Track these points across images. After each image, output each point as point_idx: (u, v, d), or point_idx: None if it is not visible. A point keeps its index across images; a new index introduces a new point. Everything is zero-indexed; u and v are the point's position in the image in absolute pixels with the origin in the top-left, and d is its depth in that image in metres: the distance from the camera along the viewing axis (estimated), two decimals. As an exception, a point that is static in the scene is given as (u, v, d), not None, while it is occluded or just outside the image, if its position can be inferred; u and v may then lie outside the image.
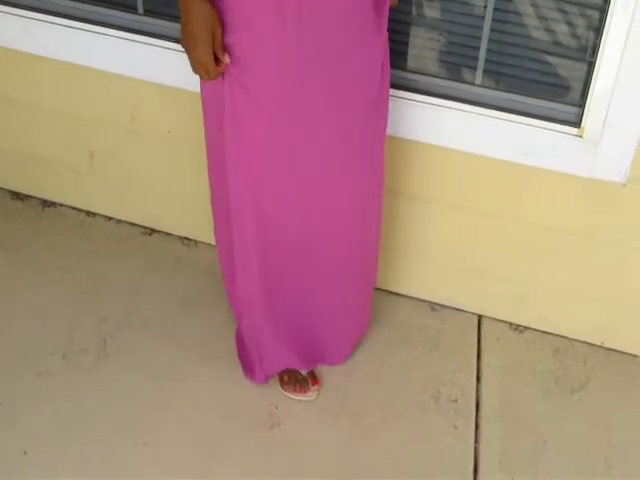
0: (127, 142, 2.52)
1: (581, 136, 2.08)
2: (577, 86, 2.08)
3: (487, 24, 2.06)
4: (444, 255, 2.40)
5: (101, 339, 2.30)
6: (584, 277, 2.29)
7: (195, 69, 1.71)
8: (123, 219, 2.69)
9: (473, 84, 2.15)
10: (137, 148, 2.53)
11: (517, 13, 2.05)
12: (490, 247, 2.34)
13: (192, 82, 2.06)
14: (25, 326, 2.33)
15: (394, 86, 2.11)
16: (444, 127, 2.17)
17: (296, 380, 2.18)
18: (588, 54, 2.03)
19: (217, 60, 1.69)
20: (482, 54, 2.10)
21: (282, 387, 2.19)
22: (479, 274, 2.39)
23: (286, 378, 2.19)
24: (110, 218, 2.70)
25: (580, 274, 2.29)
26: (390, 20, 1.85)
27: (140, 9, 2.31)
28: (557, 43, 2.07)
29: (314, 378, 2.21)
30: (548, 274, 2.32)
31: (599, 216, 2.19)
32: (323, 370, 2.25)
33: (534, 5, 2.04)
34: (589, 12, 2.00)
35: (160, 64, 2.30)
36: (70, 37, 2.36)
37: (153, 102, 2.40)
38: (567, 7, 2.02)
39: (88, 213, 2.71)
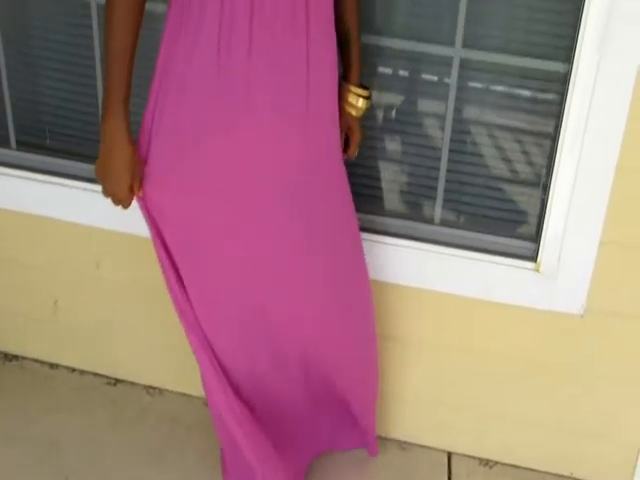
0: (92, 290, 2.44)
1: (538, 270, 2.07)
2: (532, 222, 2.09)
3: (443, 166, 2.06)
4: (409, 392, 2.31)
5: (64, 496, 2.13)
6: (547, 407, 2.23)
7: (106, 194, 1.68)
8: (87, 369, 2.56)
9: (432, 223, 2.14)
10: (102, 296, 2.44)
11: (472, 154, 2.07)
12: (454, 382, 2.26)
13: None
14: (-16, 486, 2.16)
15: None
16: (403, 266, 2.14)
17: None
18: (541, 192, 2.04)
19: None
20: (440, 194, 2.10)
21: None
22: (445, 409, 2.31)
23: None
24: (74, 369, 2.56)
25: (543, 404, 2.23)
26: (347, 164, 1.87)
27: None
28: (511, 181, 2.08)
29: None
30: (513, 405, 2.25)
31: (559, 347, 2.15)
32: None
33: (488, 145, 2.06)
34: (540, 152, 2.02)
35: (124, 213, 2.23)
36: (31, 188, 2.31)
37: (118, 250, 2.34)
38: (519, 147, 2.04)
39: (51, 365, 2.57)
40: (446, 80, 1.98)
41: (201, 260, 1.75)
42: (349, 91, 1.84)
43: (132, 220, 2.22)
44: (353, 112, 1.85)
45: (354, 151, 1.92)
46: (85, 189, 2.27)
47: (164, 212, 1.70)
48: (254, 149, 1.63)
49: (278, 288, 1.78)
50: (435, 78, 2.01)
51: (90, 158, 2.26)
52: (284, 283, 1.77)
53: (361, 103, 1.85)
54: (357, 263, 1.92)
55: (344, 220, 1.85)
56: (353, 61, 1.82)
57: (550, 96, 1.95)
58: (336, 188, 1.81)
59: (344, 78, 1.84)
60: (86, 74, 2.22)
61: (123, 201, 1.67)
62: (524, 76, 1.95)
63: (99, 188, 2.22)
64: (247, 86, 1.58)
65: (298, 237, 1.74)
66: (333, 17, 1.67)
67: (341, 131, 1.84)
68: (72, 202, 2.31)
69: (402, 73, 2.03)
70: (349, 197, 1.86)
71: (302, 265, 1.77)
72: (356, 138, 1.90)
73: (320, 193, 1.74)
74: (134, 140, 1.63)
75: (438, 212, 2.13)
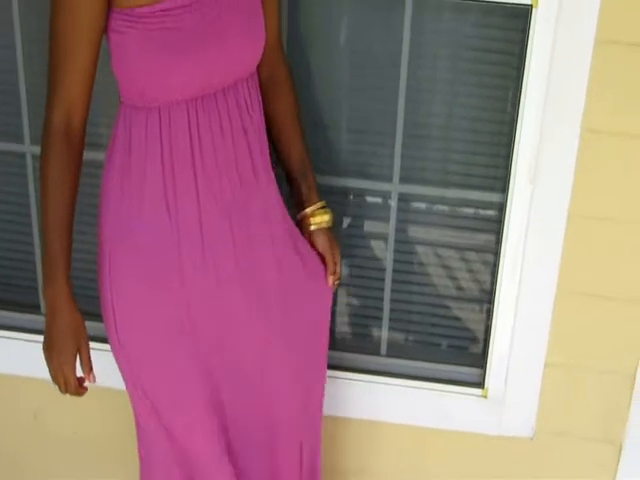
0: (30, 444, 2.29)
1: (485, 396, 2.05)
2: (477, 348, 2.07)
3: (387, 297, 2.05)
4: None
5: None
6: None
7: (55, 379, 1.54)
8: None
9: (378, 354, 2.11)
10: (41, 450, 2.29)
11: (416, 284, 2.06)
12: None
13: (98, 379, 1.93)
14: None
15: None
16: (350, 399, 2.09)
17: None
18: (485, 317, 2.04)
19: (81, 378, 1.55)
20: (385, 323, 2.08)
21: None
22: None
23: None
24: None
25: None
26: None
27: (42, 309, 2.18)
28: (456, 308, 2.08)
29: None
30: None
31: (510, 470, 2.11)
32: None
33: (431, 274, 2.06)
34: (483, 279, 2.03)
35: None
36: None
37: (57, 401, 2.18)
38: (461, 275, 2.05)
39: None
40: (389, 202, 1.99)
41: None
42: (315, 212, 1.75)
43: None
44: (324, 224, 1.77)
45: (339, 268, 1.81)
46: (20, 339, 2.17)
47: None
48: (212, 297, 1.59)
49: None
50: (379, 201, 2.01)
51: (27, 307, 2.21)
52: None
53: (327, 212, 1.77)
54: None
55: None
56: (312, 183, 1.76)
57: (491, 214, 1.97)
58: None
59: (302, 208, 1.76)
60: (22, 222, 2.15)
61: (69, 378, 1.53)
62: (462, 204, 1.98)
63: (35, 337, 2.14)
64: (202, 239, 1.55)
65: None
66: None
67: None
68: (8, 353, 2.20)
69: (345, 202, 2.03)
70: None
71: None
72: (337, 254, 1.79)
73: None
74: (78, 308, 1.53)
75: (384, 342, 2.10)
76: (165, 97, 1.47)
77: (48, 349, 1.53)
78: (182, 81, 1.46)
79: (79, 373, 1.55)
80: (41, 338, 2.10)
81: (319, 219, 1.75)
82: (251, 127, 1.57)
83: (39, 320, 2.17)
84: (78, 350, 1.53)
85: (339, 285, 1.84)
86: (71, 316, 1.51)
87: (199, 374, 1.63)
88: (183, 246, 1.55)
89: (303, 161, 1.75)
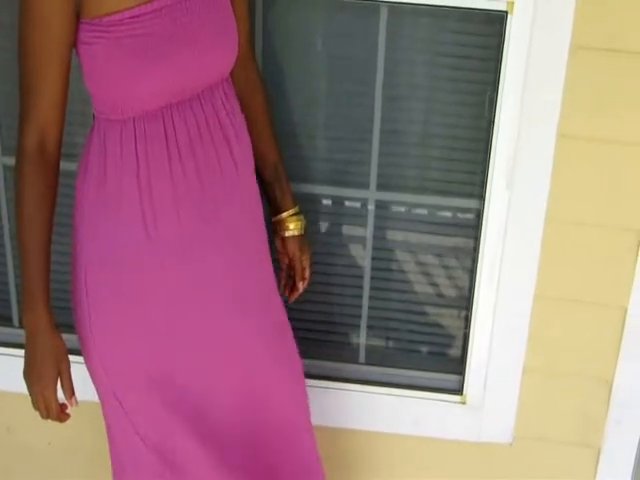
0: (3, 456, 2.24)
1: (464, 403, 2.04)
2: (455, 355, 2.06)
3: (365, 311, 2.04)
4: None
5: None
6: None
7: (35, 404, 1.50)
8: None
9: (357, 363, 2.09)
10: (13, 462, 2.24)
11: (394, 291, 2.04)
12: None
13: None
14: None
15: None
16: (329, 408, 2.07)
17: None
18: (463, 325, 2.03)
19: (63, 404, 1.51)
20: (363, 331, 2.07)
21: None
22: None
23: None
24: None
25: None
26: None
27: (15, 321, 2.14)
28: (434, 315, 2.06)
29: None
30: None
31: (490, 477, 2.10)
32: None
33: (409, 281, 2.04)
34: (461, 285, 2.02)
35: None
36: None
37: (31, 413, 2.15)
38: (439, 281, 2.03)
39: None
40: (367, 209, 1.97)
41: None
42: (289, 218, 1.75)
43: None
44: (297, 232, 1.76)
45: (308, 273, 1.81)
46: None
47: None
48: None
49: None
50: (356, 207, 1.99)
51: (2, 319, 2.16)
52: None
53: (300, 219, 1.77)
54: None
55: None
56: (286, 189, 1.75)
57: (468, 220, 1.95)
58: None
59: (276, 212, 1.76)
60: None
61: (50, 403, 1.48)
62: (439, 211, 1.96)
63: (7, 351, 2.10)
64: (181, 243, 1.51)
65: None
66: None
67: (283, 269, 1.78)
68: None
69: (322, 209, 2.01)
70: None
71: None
72: (306, 260, 1.79)
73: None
74: (59, 332, 1.49)
75: (362, 350, 2.08)
76: (139, 106, 1.44)
77: (29, 374, 1.48)
78: (155, 87, 1.43)
79: (61, 399, 1.51)
80: (13, 351, 2.11)
81: (292, 226, 1.76)
82: (232, 132, 1.54)
83: (12, 333, 2.14)
84: (59, 374, 1.48)
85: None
86: (52, 341, 1.46)
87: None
88: (163, 258, 1.51)
89: (277, 167, 1.73)
